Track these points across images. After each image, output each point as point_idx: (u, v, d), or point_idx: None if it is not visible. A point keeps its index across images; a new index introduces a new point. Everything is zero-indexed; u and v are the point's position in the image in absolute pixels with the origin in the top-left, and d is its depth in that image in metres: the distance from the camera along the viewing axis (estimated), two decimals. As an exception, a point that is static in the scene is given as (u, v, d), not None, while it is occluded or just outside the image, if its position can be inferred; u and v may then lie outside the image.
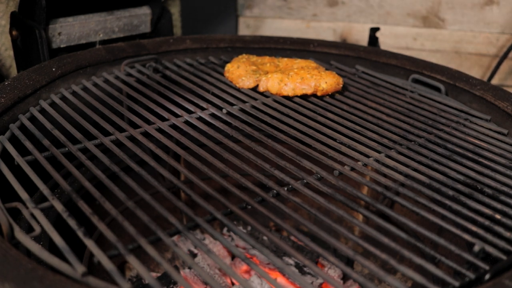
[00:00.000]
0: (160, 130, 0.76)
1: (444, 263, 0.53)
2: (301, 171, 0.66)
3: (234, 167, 0.67)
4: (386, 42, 1.41)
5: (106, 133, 0.74)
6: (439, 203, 0.61)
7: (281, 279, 0.96)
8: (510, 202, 0.63)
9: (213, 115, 0.81)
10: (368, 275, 1.02)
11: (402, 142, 0.76)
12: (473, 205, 0.61)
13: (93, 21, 1.08)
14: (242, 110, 0.84)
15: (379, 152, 0.72)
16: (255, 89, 0.91)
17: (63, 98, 0.85)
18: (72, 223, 0.54)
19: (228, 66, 0.96)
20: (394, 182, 0.65)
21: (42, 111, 0.81)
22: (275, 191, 0.63)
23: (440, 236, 0.56)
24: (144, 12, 1.16)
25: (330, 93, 0.90)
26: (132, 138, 0.74)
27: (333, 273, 1.00)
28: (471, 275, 0.51)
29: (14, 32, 1.02)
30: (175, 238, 1.03)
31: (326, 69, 0.97)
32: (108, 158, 0.66)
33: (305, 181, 0.65)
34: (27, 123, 0.76)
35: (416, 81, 1.02)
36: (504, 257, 0.54)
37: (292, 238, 1.07)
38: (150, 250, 0.51)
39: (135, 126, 0.77)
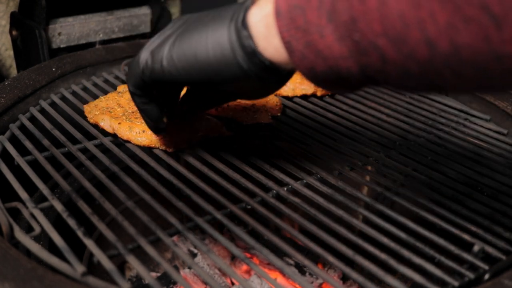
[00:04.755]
0: (160, 130, 0.76)
1: (443, 263, 0.53)
2: (301, 171, 0.66)
3: (234, 167, 0.67)
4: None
5: (106, 133, 0.74)
6: (439, 203, 0.61)
7: (281, 279, 0.96)
8: (510, 202, 0.63)
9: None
10: (368, 275, 1.02)
11: (402, 142, 0.76)
12: (473, 205, 0.61)
13: (93, 21, 1.08)
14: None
15: (379, 152, 0.72)
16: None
17: (63, 98, 0.85)
18: (72, 223, 0.54)
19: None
20: (394, 182, 0.65)
21: (42, 111, 0.81)
22: (274, 191, 0.63)
23: (440, 236, 0.56)
24: (144, 12, 1.16)
25: (330, 93, 0.90)
26: (132, 138, 0.73)
27: (333, 273, 1.00)
28: (470, 275, 0.51)
29: (14, 32, 1.02)
30: (175, 238, 1.03)
31: (326, 69, 0.97)
32: (108, 158, 0.66)
33: (305, 181, 0.65)
34: (27, 123, 0.76)
35: (416, 81, 1.01)
36: (503, 257, 0.54)
37: (292, 238, 1.07)
38: (150, 250, 0.51)
39: (135, 126, 0.76)
